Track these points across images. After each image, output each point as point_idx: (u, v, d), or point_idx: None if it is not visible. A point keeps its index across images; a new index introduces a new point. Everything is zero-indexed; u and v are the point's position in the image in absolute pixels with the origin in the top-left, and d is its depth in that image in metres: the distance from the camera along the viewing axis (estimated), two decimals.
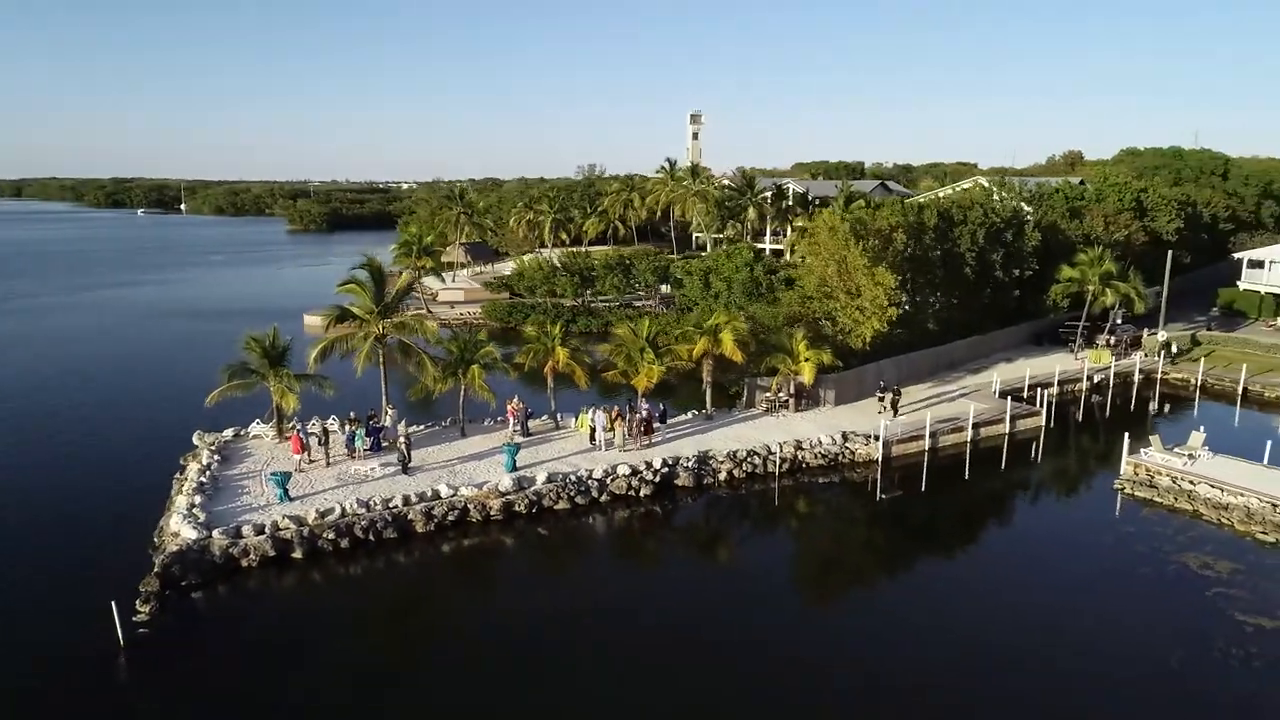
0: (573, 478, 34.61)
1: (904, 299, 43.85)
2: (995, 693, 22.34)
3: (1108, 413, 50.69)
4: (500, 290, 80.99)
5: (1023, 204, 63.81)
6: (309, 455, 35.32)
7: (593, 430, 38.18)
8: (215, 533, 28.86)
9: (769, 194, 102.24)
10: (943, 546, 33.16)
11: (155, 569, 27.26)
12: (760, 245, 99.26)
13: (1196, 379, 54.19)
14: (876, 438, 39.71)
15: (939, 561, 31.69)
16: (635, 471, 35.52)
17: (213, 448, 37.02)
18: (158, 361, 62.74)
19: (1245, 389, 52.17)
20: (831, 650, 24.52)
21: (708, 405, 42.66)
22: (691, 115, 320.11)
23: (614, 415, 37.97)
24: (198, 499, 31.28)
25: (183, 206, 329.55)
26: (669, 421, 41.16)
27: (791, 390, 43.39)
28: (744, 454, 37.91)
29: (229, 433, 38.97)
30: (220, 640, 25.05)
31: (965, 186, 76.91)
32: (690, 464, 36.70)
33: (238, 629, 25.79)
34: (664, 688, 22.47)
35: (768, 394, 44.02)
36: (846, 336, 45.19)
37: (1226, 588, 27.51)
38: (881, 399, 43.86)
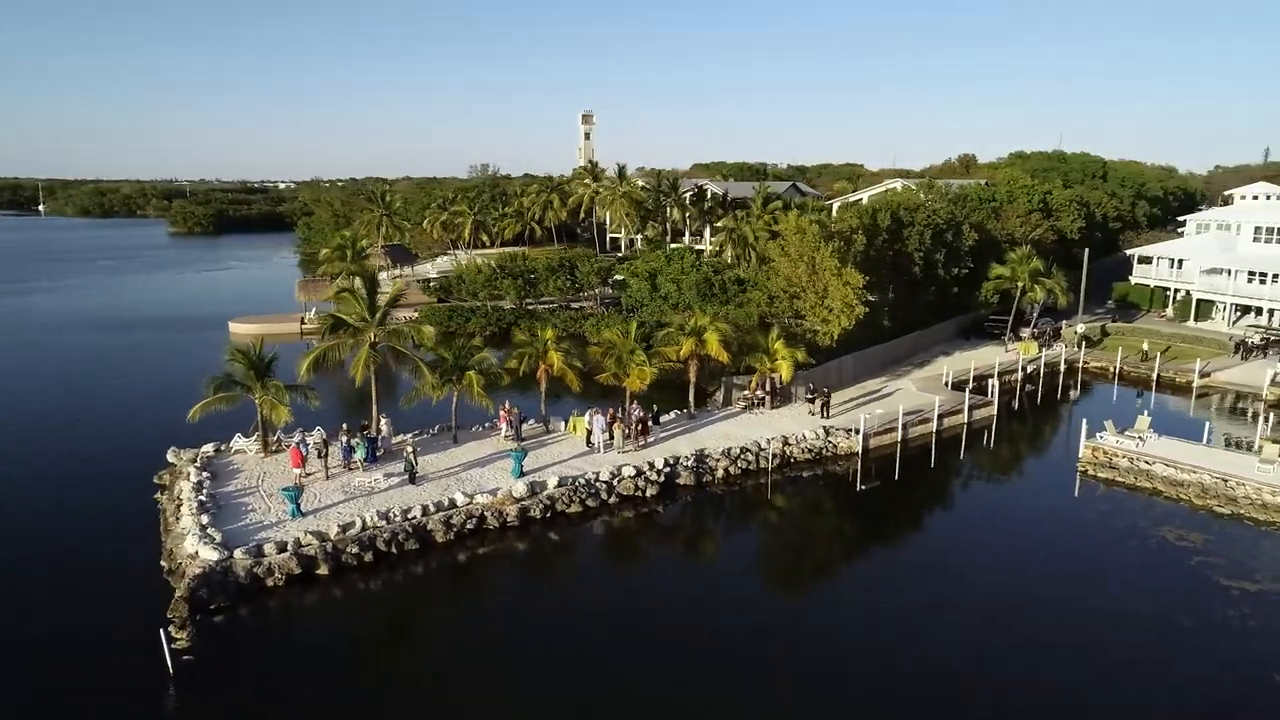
0: (581, 481, 34.90)
1: (868, 297, 45.83)
2: (1023, 669, 23.95)
3: (1039, 400, 54.35)
4: (435, 293, 79.58)
5: (950, 206, 67.39)
6: (305, 468, 34.31)
7: (589, 433, 38.53)
8: (237, 553, 27.82)
9: (687, 195, 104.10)
10: (934, 534, 34.99)
11: (181, 593, 26.12)
12: (679, 245, 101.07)
13: (1115, 366, 58.82)
14: (857, 431, 41.56)
15: (937, 549, 32.86)
16: (640, 472, 36.09)
17: (197, 465, 35.41)
18: (88, 377, 58.40)
19: (1159, 375, 56.92)
20: (850, 640, 25.49)
21: (691, 405, 43.61)
22: (583, 115, 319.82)
23: (610, 417, 38.43)
24: (204, 518, 29.98)
25: (42, 207, 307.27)
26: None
27: (769, 388, 44.78)
28: (737, 451, 39.04)
29: (209, 448, 37.30)
30: (267, 663, 24.28)
31: (895, 188, 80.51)
32: (689, 463, 37.55)
33: (281, 650, 25.06)
34: (720, 687, 23.18)
35: (745, 392, 45.27)
36: (814, 335, 46.91)
37: (1205, 556, 30.37)
38: (811, 399, 44.84)
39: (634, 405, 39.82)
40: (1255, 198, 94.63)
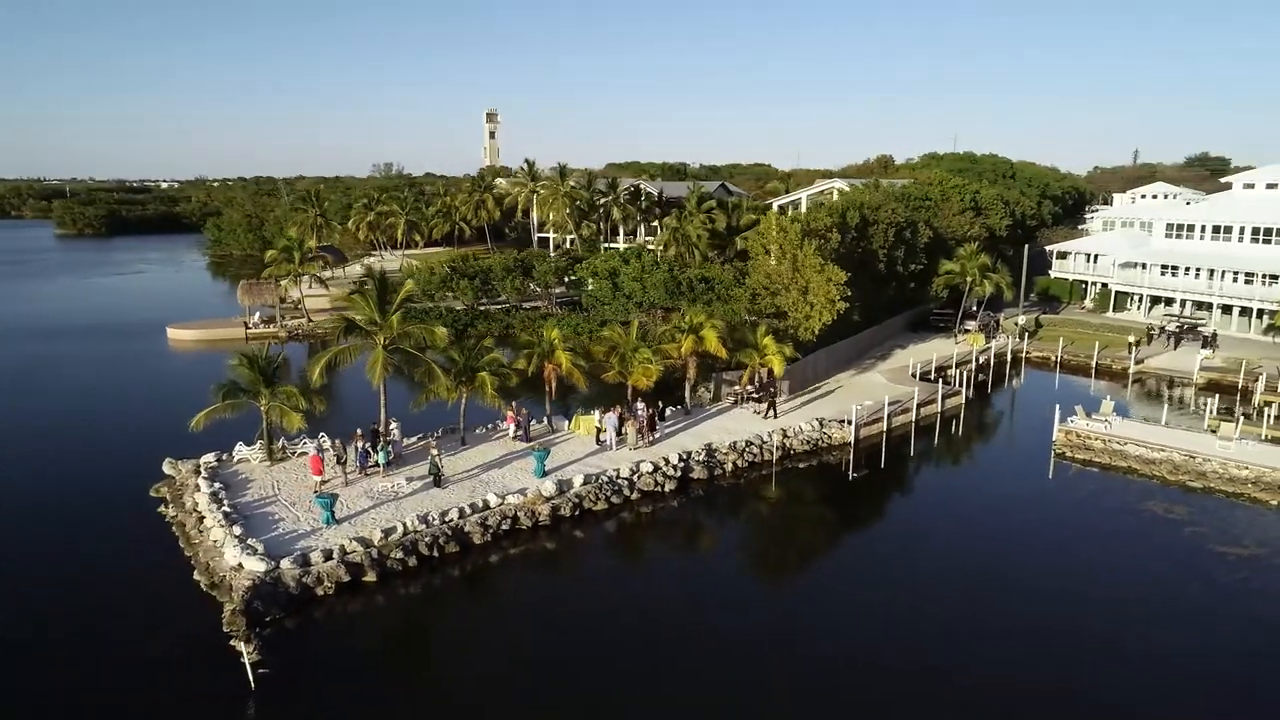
0: (605, 479, 35.26)
1: (848, 293, 47.55)
2: (1051, 641, 25.63)
3: (992, 389, 57.39)
4: None
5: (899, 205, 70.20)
6: (325, 475, 33.54)
7: (598, 431, 38.93)
8: (284, 563, 27.13)
9: (622, 194, 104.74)
10: (932, 518, 35.76)
11: (235, 606, 25.36)
12: (629, 244, 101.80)
13: (1056, 355, 62.63)
14: (849, 422, 43.17)
15: (941, 534, 33.77)
16: (657, 468, 36.71)
17: (204, 476, 34.09)
18: (40, 390, 54.77)
19: (1097, 363, 60.90)
20: (874, 635, 26.05)
21: (687, 402, 44.44)
22: (488, 114, 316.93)
23: (620, 415, 38.90)
24: (237, 530, 29.04)
25: None
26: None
27: (758, 383, 45.94)
28: (743, 445, 40.07)
29: (210, 458, 35.93)
30: (339, 672, 23.86)
31: (839, 187, 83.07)
32: (701, 458, 38.37)
33: (349, 659, 24.67)
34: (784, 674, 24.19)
35: (735, 387, 46.32)
36: (796, 329, 48.36)
37: (1194, 527, 33.05)
38: (759, 399, 45.00)
39: (639, 402, 40.36)
40: (1155, 196, 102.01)
